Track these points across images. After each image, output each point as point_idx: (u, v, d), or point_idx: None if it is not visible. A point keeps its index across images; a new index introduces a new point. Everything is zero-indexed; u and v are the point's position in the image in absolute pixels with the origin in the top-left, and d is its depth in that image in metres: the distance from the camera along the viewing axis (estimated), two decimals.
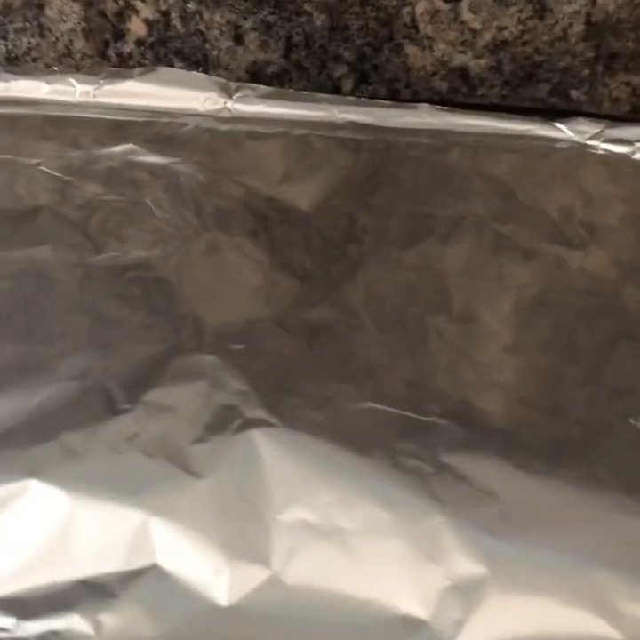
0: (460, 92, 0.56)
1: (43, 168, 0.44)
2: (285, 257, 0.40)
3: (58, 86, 0.47)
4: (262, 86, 0.49)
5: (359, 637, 0.27)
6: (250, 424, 0.31)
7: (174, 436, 0.31)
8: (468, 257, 0.41)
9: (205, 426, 0.31)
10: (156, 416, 0.32)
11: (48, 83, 0.47)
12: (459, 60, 0.55)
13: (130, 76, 0.48)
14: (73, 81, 0.48)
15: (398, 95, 0.56)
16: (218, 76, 0.52)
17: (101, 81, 0.48)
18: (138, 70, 0.49)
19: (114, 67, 0.57)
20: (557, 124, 0.47)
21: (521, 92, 0.55)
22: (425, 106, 0.48)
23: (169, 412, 0.32)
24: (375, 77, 0.56)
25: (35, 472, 0.29)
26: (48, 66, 0.57)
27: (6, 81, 0.47)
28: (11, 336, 0.35)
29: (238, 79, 0.53)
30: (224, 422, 0.31)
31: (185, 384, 0.33)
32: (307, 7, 0.54)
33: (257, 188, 0.44)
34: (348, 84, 0.57)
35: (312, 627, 0.27)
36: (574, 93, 0.55)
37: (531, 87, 0.55)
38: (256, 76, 0.57)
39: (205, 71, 0.55)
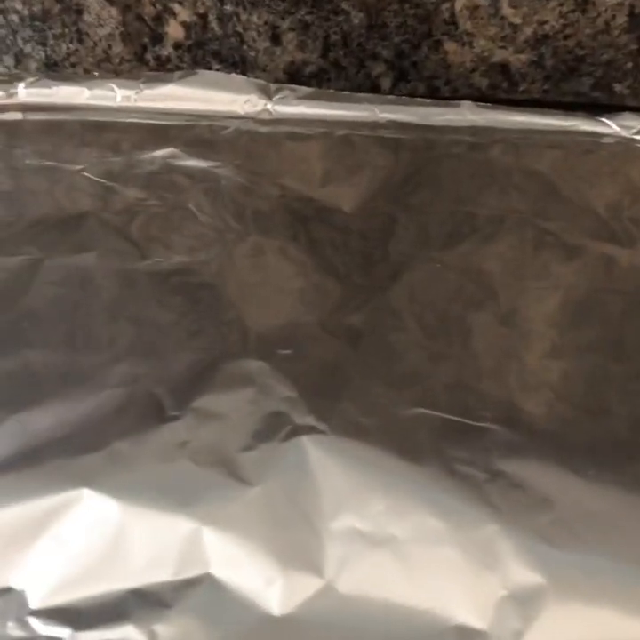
0: (500, 88, 0.55)
1: (85, 174, 0.44)
2: (327, 259, 0.40)
3: (98, 91, 0.48)
4: (302, 87, 0.48)
5: None
6: (299, 431, 0.31)
7: (224, 444, 0.31)
8: (512, 255, 0.40)
9: (255, 433, 0.31)
10: (205, 423, 0.31)
11: (89, 88, 0.48)
12: (499, 55, 0.54)
13: (170, 80, 0.48)
14: (113, 86, 0.48)
15: (438, 92, 0.56)
16: (256, 77, 0.52)
17: (142, 85, 0.48)
18: (178, 74, 0.49)
19: (152, 70, 0.57)
20: (603, 119, 0.46)
21: (563, 86, 0.55)
22: (467, 103, 0.47)
23: (218, 420, 0.32)
24: (414, 75, 0.56)
25: (86, 481, 0.29)
26: (87, 71, 0.57)
27: (48, 87, 0.48)
28: (57, 344, 0.35)
29: (276, 80, 0.53)
30: (273, 429, 0.31)
31: (233, 391, 0.33)
32: (344, 6, 0.54)
33: (297, 190, 0.44)
34: (386, 83, 0.56)
35: (366, 636, 0.27)
36: (618, 87, 0.54)
37: (573, 81, 0.54)
38: (294, 76, 0.56)
39: (243, 73, 0.55)
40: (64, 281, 0.38)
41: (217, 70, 0.55)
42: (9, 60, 0.58)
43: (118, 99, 0.48)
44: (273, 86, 0.49)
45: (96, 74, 0.52)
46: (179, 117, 0.47)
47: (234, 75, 0.50)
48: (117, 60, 0.57)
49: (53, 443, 0.31)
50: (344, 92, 0.49)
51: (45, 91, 0.48)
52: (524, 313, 0.37)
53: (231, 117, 0.47)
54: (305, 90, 0.48)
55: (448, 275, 0.39)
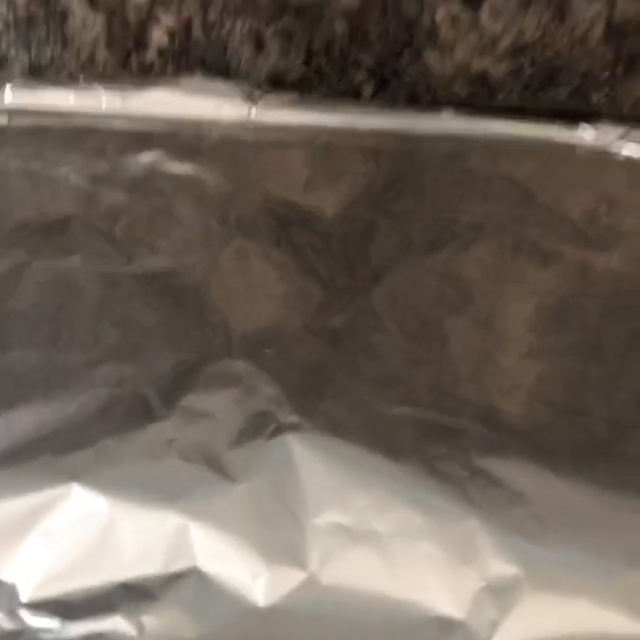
0: (479, 97, 0.56)
1: (69, 178, 0.44)
2: (309, 263, 0.41)
3: (84, 96, 0.48)
4: (286, 94, 0.49)
5: (396, 638, 0.27)
6: (284, 429, 0.32)
7: (211, 442, 0.31)
8: (491, 261, 0.41)
9: (241, 431, 0.32)
10: (192, 422, 0.32)
11: (75, 93, 0.48)
12: (479, 64, 0.55)
13: (155, 86, 0.49)
14: (100, 91, 0.48)
15: (418, 100, 0.56)
16: (239, 83, 0.52)
17: (127, 91, 0.48)
18: (163, 80, 0.50)
19: (136, 76, 0.57)
20: (580, 128, 0.47)
21: (541, 95, 0.56)
22: (447, 111, 0.48)
23: (205, 418, 0.32)
24: (395, 83, 0.57)
25: (75, 477, 0.30)
26: (71, 76, 0.57)
27: (34, 91, 0.48)
28: (42, 345, 0.36)
29: (259, 87, 0.54)
30: (259, 427, 0.32)
31: (219, 390, 0.33)
32: (327, 14, 0.54)
33: (280, 196, 0.44)
34: (368, 90, 0.57)
35: (349, 627, 0.27)
36: (595, 96, 0.55)
37: (551, 91, 0.55)
38: (277, 83, 0.57)
39: (226, 79, 0.56)
40: (49, 284, 0.39)
41: (201, 76, 0.56)
42: None
43: (104, 104, 0.48)
44: (257, 92, 0.49)
45: (82, 78, 0.52)
46: (163, 123, 0.47)
47: (219, 81, 0.51)
48: (102, 66, 0.58)
49: (40, 440, 0.31)
50: (327, 100, 0.50)
51: (32, 95, 0.48)
52: (502, 317, 0.38)
53: (215, 123, 0.48)
54: (289, 97, 0.49)
55: (428, 279, 0.40)
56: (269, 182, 0.45)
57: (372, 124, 0.48)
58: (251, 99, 0.49)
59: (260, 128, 0.48)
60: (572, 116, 0.49)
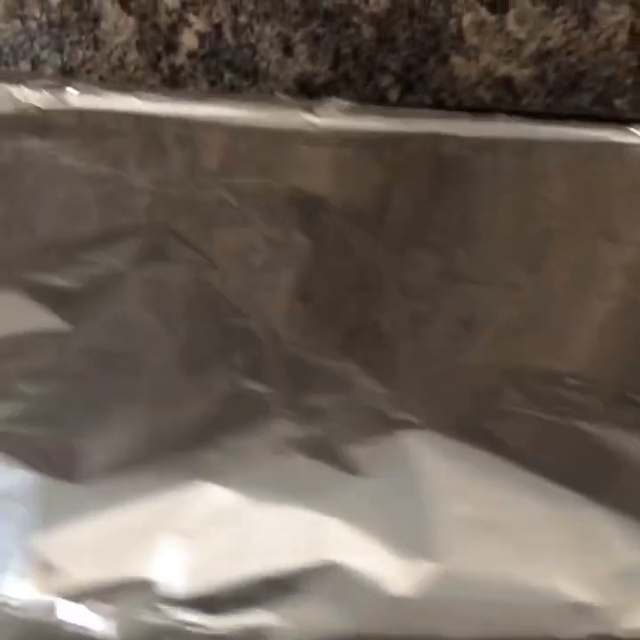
0: (504, 102, 0.58)
1: (130, 183, 0.45)
2: (357, 259, 0.41)
3: (148, 102, 0.48)
4: (340, 101, 0.49)
5: (532, 622, 0.28)
6: (399, 426, 0.33)
7: (330, 438, 0.32)
8: (536, 257, 0.42)
9: (357, 428, 0.33)
10: (310, 419, 0.33)
11: (139, 98, 0.48)
12: (503, 69, 0.57)
13: (214, 97, 0.49)
14: (163, 98, 0.48)
15: (443, 105, 0.58)
16: (267, 86, 0.53)
17: (190, 100, 0.48)
18: (221, 90, 0.50)
19: (165, 79, 0.58)
20: (632, 130, 0.48)
21: (564, 101, 0.57)
22: (501, 116, 0.48)
23: (322, 415, 0.33)
24: (421, 87, 0.58)
25: (204, 474, 0.31)
26: (102, 78, 0.58)
27: (98, 95, 0.47)
28: (164, 344, 0.36)
29: (286, 90, 0.54)
30: (374, 425, 0.33)
31: (329, 389, 0.34)
32: (355, 19, 0.55)
33: (318, 195, 0.45)
34: (394, 95, 0.58)
35: (485, 614, 0.28)
36: (618, 102, 0.57)
37: (574, 96, 0.57)
38: (304, 87, 0.58)
39: (255, 82, 0.56)
40: (151, 287, 0.39)
41: (229, 79, 0.57)
42: (25, 66, 0.58)
43: (167, 112, 0.48)
44: (313, 102, 0.49)
45: (151, 85, 0.53)
46: (220, 131, 0.47)
47: (277, 94, 0.51)
48: (132, 68, 0.58)
49: (168, 437, 0.32)
50: (377, 106, 0.50)
51: (94, 98, 0.47)
52: (555, 314, 0.40)
53: (262, 129, 0.48)
54: (342, 104, 0.49)
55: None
56: (313, 183, 0.45)
57: (417, 128, 0.48)
58: (306, 107, 0.49)
59: (316, 134, 0.48)
60: (627, 120, 0.50)
